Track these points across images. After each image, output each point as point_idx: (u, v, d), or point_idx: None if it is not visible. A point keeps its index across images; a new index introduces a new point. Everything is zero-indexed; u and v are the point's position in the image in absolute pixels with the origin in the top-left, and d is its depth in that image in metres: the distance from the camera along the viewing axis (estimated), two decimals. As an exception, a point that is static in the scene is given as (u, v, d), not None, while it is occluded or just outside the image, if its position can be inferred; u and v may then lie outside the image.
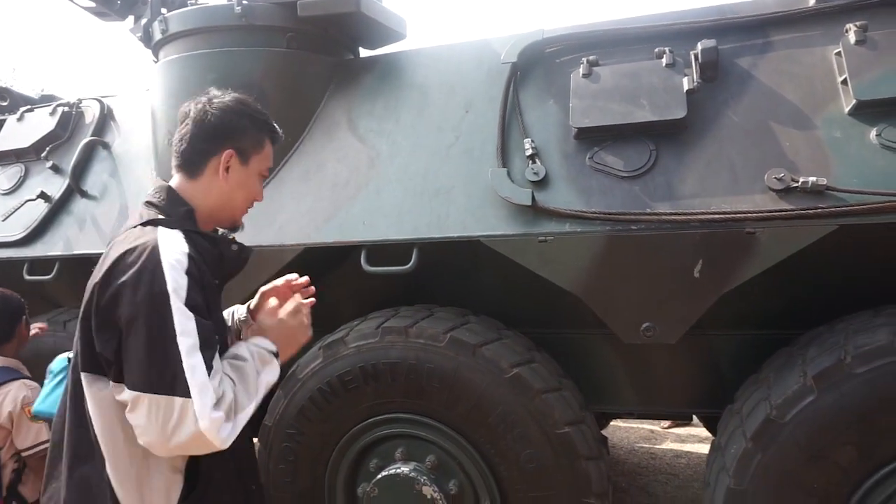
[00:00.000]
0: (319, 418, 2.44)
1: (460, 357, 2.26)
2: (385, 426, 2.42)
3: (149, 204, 1.51)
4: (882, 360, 1.90)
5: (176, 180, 1.55)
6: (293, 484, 2.54)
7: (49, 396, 1.61)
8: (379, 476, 2.37)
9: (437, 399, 2.31)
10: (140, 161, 3.03)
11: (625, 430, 5.01)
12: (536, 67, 2.48)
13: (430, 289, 2.59)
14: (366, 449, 2.48)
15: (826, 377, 1.95)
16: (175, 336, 1.28)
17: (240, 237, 1.66)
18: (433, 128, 2.51)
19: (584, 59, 2.34)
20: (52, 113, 3.35)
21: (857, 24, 2.14)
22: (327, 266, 2.57)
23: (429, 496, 2.33)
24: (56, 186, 3.12)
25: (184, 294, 1.32)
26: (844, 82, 2.09)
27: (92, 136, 3.19)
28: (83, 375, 1.38)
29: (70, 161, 3.11)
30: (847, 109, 2.06)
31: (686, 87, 2.18)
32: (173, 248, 1.36)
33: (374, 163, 2.53)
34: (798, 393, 1.98)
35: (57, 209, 3.06)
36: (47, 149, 3.24)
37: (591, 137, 2.25)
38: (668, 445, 4.69)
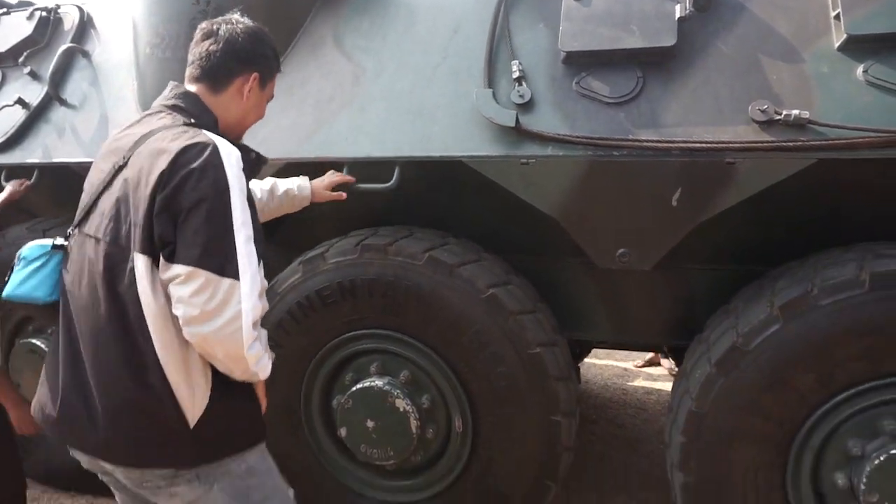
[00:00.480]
0: (297, 331, 2.48)
1: (438, 276, 2.29)
2: (361, 341, 2.48)
3: (177, 108, 1.61)
4: (846, 293, 1.96)
5: (196, 89, 1.66)
6: (270, 395, 2.60)
7: (26, 282, 1.62)
8: (354, 388, 2.43)
9: (413, 316, 2.35)
10: (121, 70, 2.96)
11: (598, 368, 5.14)
12: (527, -11, 2.42)
13: (410, 212, 2.60)
14: (342, 363, 2.54)
15: (792, 307, 2.00)
16: (234, 225, 1.41)
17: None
18: (420, 47, 2.47)
19: (578, -18, 2.29)
20: (30, 17, 3.23)
21: (855, -44, 2.10)
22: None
23: (401, 409, 2.40)
24: (34, 93, 3.05)
25: (243, 189, 1.46)
26: (837, 17, 2.07)
27: (71, 42, 3.10)
28: (138, 257, 1.44)
29: (48, 68, 3.02)
30: (837, 44, 2.05)
31: (678, 15, 2.15)
32: (229, 149, 1.49)
33: (359, 80, 2.49)
34: (764, 322, 2.03)
35: (35, 116, 3.00)
36: (24, 54, 3.15)
37: (578, 62, 2.22)
38: (640, 383, 4.83)
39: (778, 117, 1.99)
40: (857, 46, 2.03)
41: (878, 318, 1.93)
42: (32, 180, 2.95)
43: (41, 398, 1.62)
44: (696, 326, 2.61)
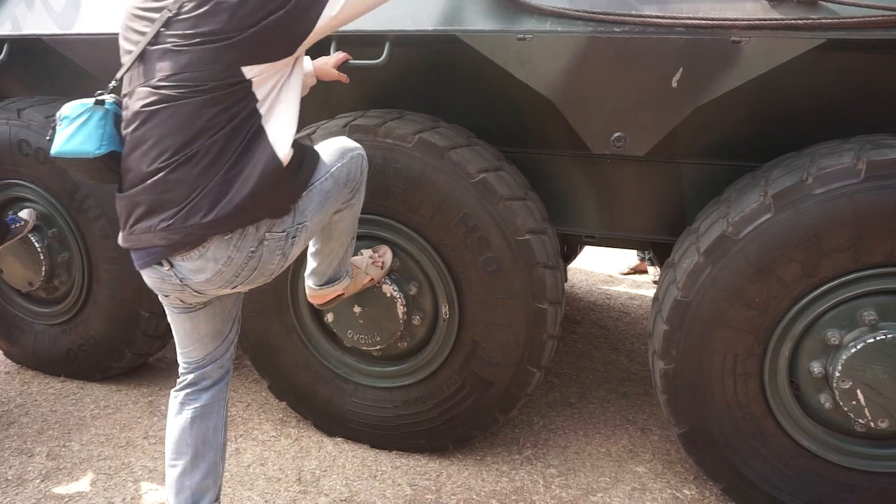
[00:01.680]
0: (283, 214, 2.43)
1: (427, 159, 2.23)
2: (348, 225, 2.44)
3: None
4: (842, 182, 1.93)
5: None
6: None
7: (73, 138, 1.63)
8: (341, 272, 2.42)
9: (401, 200, 2.31)
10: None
11: (585, 274, 5.19)
12: None
13: (400, 95, 2.51)
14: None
15: (785, 196, 1.98)
16: None
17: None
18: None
19: None
20: None
21: None
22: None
23: (388, 294, 2.40)
24: (0, -41, 2.85)
25: None
26: None
27: None
28: (247, 70, 1.59)
29: (14, -70, 2.81)
30: (856, -83, 1.93)
31: None
32: None
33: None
34: (756, 211, 2.01)
35: (2, -15, 2.82)
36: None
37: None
38: (624, 289, 4.89)
39: (789, -6, 1.89)
40: (878, -80, 1.90)
41: (869, 207, 1.92)
42: (1, 56, 2.80)
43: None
44: (685, 223, 2.60)
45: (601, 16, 1.98)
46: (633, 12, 1.98)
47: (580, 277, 5.09)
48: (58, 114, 1.69)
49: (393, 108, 2.52)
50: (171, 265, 1.66)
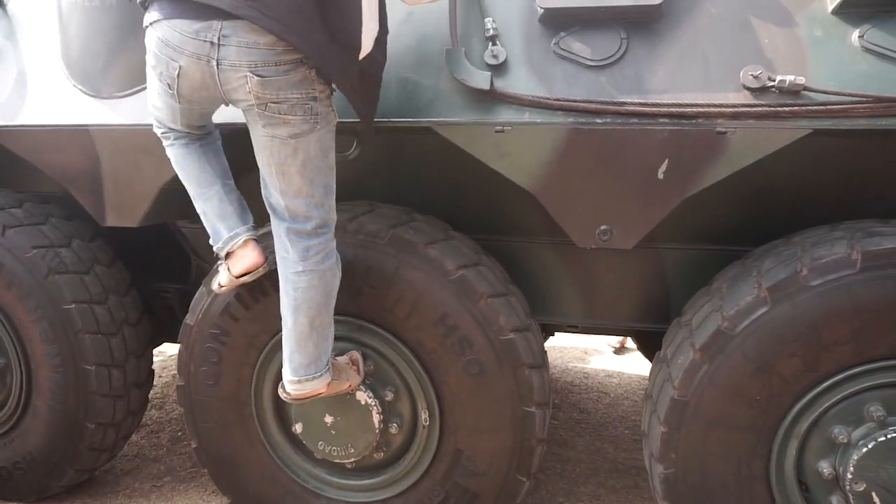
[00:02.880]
0: (247, 318, 2.25)
1: (402, 255, 2.09)
2: (317, 328, 2.25)
3: None
4: (838, 273, 1.85)
5: None
6: (216, 388, 2.37)
7: None
8: (309, 380, 2.21)
9: (374, 300, 2.15)
10: (39, 22, 2.62)
11: (557, 351, 5.04)
12: (501, -60, 2.21)
13: (371, 185, 2.38)
14: (295, 351, 2.32)
15: (780, 289, 1.89)
16: None
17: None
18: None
19: (556, -67, 2.09)
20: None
21: (848, -84, 1.97)
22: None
23: (363, 402, 2.20)
24: (-61, 48, 2.68)
25: None
26: (831, -22, 1.94)
27: (-18, -9, 2.73)
28: None
29: (-45, 19, 2.66)
30: (831, 8, 1.92)
31: (664, -28, 1.98)
32: None
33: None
34: (751, 304, 1.92)
35: (-60, 73, 2.64)
36: (-72, 3, 2.77)
37: (558, 21, 2.03)
38: (601, 365, 4.75)
39: (771, 83, 1.85)
40: (852, 10, 1.90)
41: (869, 299, 1.84)
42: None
43: None
44: (669, 310, 2.50)
45: (582, 106, 1.91)
46: (614, 102, 1.91)
47: (554, 355, 4.95)
48: None
49: (363, 199, 2.39)
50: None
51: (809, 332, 1.87)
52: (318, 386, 2.00)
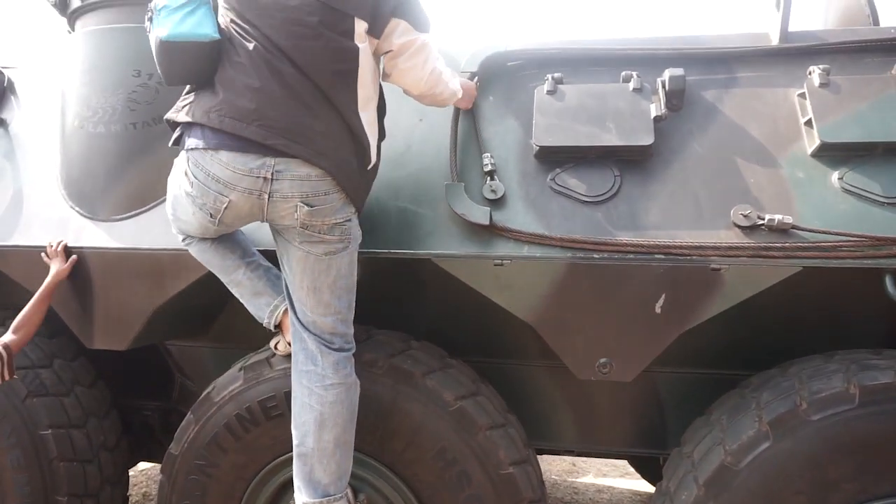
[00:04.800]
0: (235, 449, 2.16)
1: (400, 386, 2.05)
2: (310, 460, 2.17)
3: None
4: (837, 408, 1.85)
5: None
6: (198, 521, 2.24)
7: (183, 23, 1.69)
8: (299, 516, 2.11)
9: (370, 431, 2.09)
10: (42, 143, 2.66)
11: (547, 463, 4.90)
12: (498, 80, 2.33)
13: (368, 309, 2.37)
14: (286, 485, 2.21)
15: (781, 423, 1.88)
16: None
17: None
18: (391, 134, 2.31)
19: (550, 76, 2.22)
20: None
21: (821, 67, 2.12)
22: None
23: (355, 539, 2.09)
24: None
25: None
26: (808, 123, 2.06)
27: (-14, 109, 2.78)
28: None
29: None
30: (810, 151, 2.03)
31: (653, 114, 2.09)
32: None
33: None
34: (753, 439, 1.90)
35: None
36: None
37: (553, 158, 2.12)
38: (590, 479, 4.61)
39: (761, 222, 1.92)
40: (831, 154, 2.01)
41: (870, 435, 1.83)
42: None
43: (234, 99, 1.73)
44: (665, 436, 2.47)
45: (580, 242, 1.95)
46: (611, 238, 1.96)
47: (543, 468, 4.80)
48: (153, 4, 1.75)
49: (360, 322, 2.37)
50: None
51: (814, 468, 1.85)
52: None
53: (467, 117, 2.27)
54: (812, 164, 2.03)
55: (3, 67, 2.95)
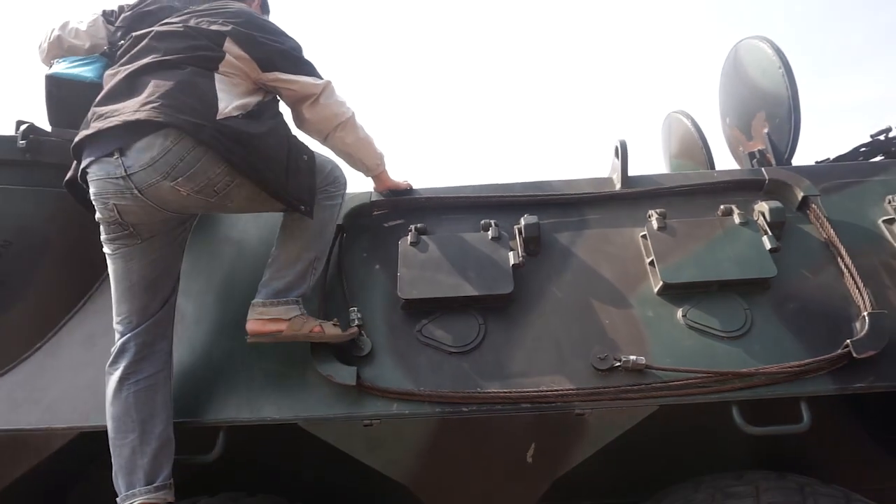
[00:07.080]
0: None
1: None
2: None
3: None
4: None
5: None
6: None
7: (74, 69, 2.18)
8: None
9: None
10: None
11: None
12: (363, 231, 2.38)
13: (241, 476, 2.23)
14: None
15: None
16: None
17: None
18: (247, 289, 2.26)
19: (413, 227, 2.29)
20: None
21: (658, 211, 2.32)
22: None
23: None
24: None
25: None
26: (651, 264, 2.22)
27: None
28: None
29: None
30: (656, 290, 2.18)
31: (512, 262, 2.19)
32: None
33: (176, 327, 2.20)
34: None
35: None
36: None
37: (419, 309, 2.15)
38: None
39: (618, 364, 2.00)
40: (673, 292, 2.16)
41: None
42: None
43: None
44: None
45: (447, 396, 1.96)
46: (479, 389, 1.98)
47: None
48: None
49: (233, 489, 2.22)
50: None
51: None
52: (282, 314, 1.97)
53: (335, 269, 2.28)
54: (659, 302, 2.17)
55: None
